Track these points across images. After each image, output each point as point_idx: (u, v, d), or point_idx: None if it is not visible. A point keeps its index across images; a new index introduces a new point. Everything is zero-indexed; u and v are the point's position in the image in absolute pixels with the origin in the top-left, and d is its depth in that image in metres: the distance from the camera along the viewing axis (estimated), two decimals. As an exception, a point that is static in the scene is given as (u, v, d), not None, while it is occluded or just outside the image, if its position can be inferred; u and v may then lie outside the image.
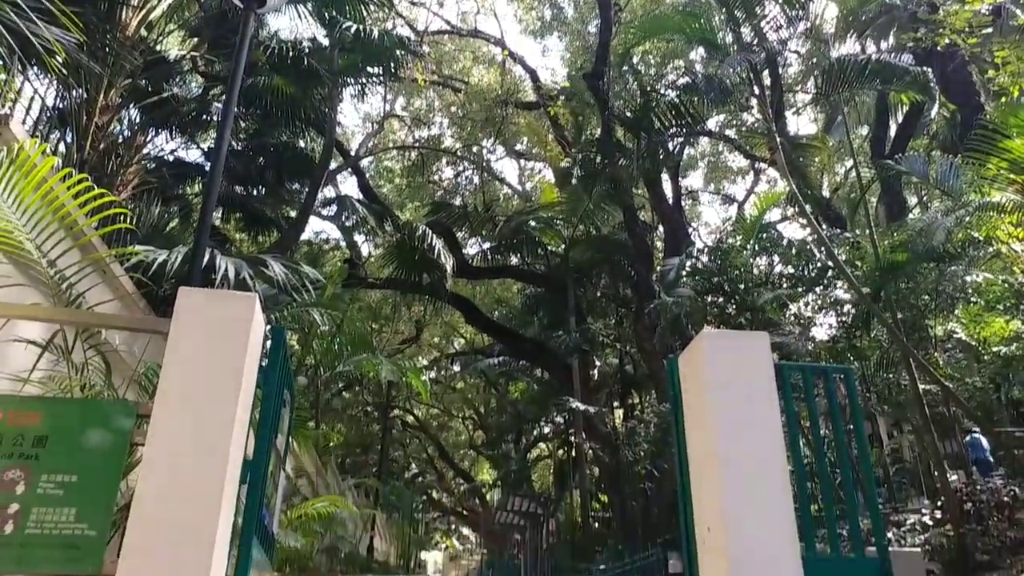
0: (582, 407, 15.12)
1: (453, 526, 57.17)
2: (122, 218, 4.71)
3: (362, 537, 17.02)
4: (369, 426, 25.98)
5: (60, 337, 4.22)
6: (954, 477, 10.48)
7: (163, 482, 3.06)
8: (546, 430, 29.16)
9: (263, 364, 3.83)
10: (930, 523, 8.68)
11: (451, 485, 41.43)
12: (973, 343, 10.56)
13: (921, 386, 8.76)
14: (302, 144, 14.49)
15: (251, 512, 3.58)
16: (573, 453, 21.53)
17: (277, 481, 4.27)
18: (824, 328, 11.34)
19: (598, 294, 20.79)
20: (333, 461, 15.83)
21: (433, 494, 40.08)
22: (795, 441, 4.01)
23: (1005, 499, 8.30)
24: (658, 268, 16.28)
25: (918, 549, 6.94)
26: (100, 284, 5.37)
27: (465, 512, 43.81)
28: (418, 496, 33.47)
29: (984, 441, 13.07)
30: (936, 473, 9.30)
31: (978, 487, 8.89)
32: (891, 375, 10.31)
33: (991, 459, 12.89)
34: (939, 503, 8.93)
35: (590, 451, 17.30)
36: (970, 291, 9.87)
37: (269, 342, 4.47)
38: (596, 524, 19.67)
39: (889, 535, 7.65)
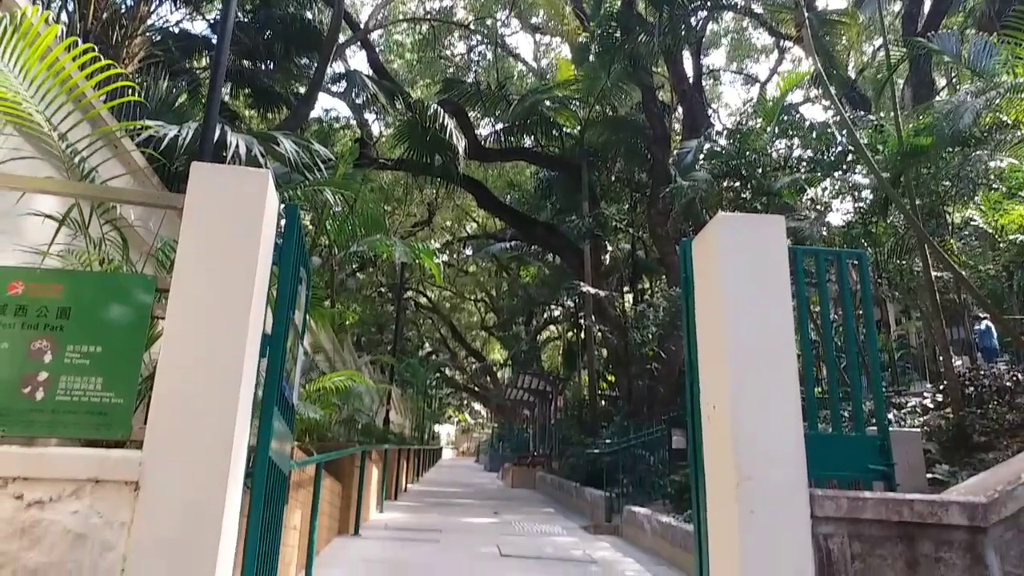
0: (592, 291, 15.25)
1: (465, 402, 59.29)
2: (130, 91, 4.60)
3: (378, 410, 17.67)
4: (383, 306, 26.44)
5: (76, 211, 4.23)
6: (958, 362, 10.63)
7: (184, 354, 3.14)
8: (556, 313, 29.62)
9: (278, 242, 3.85)
10: (931, 406, 8.89)
11: (463, 364, 42.62)
12: (990, 231, 10.44)
13: (933, 273, 8.73)
14: (310, 16, 13.96)
15: (271, 384, 3.70)
16: (582, 335, 21.94)
17: (296, 356, 4.38)
18: (840, 214, 11.22)
19: (612, 178, 20.53)
20: (349, 339, 16.22)
21: (446, 372, 41.28)
22: (804, 325, 4.05)
23: (1007, 384, 8.45)
24: (675, 151, 15.97)
25: (917, 429, 7.15)
26: (112, 159, 5.34)
27: (476, 389, 45.29)
28: (431, 373, 34.48)
29: (992, 329, 13.19)
30: (941, 358, 9.43)
31: (981, 372, 9.04)
32: (904, 261, 10.28)
33: (997, 346, 13.05)
34: (941, 387, 9.11)
35: (599, 333, 17.61)
36: (992, 177, 9.67)
37: (283, 222, 4.47)
38: (603, 402, 20.31)
39: (890, 416, 7.86)
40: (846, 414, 5.39)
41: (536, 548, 9.01)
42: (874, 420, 4.12)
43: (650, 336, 13.73)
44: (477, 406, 60.95)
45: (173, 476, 2.97)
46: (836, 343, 6.35)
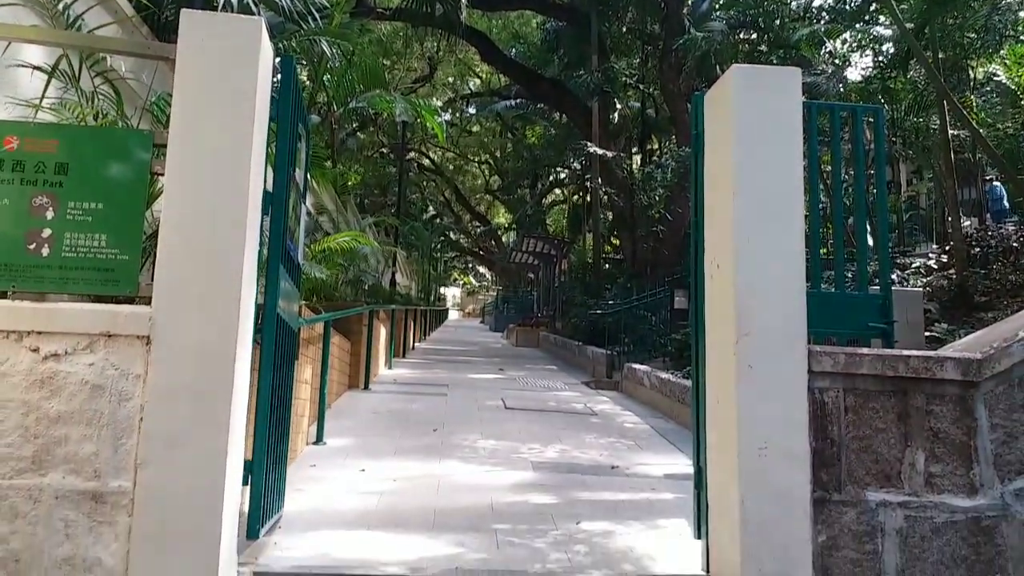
0: (600, 151, 14.97)
1: (470, 265, 59.90)
2: (109, -69, 4.31)
3: (385, 272, 17.87)
4: (386, 167, 26.11)
5: (65, 63, 4.08)
6: (967, 223, 10.57)
7: (186, 210, 3.12)
8: (562, 175, 29.29)
9: (274, 96, 3.73)
10: (935, 267, 8.93)
11: (468, 227, 42.67)
12: (1012, 87, 10.07)
13: (950, 131, 8.50)
14: None
15: (275, 241, 3.70)
16: (588, 198, 21.77)
17: (299, 214, 4.36)
18: (858, 69, 10.77)
19: (624, 29, 19.55)
20: (352, 200, 16.12)
21: (451, 235, 41.38)
22: (814, 183, 3.99)
23: (1014, 244, 8.44)
24: (690, 0, 15.15)
25: (919, 289, 7.21)
26: (97, 6, 5.08)
27: (481, 252, 45.63)
28: (436, 236, 34.60)
29: (1003, 190, 13.02)
30: (950, 219, 9.36)
31: (989, 232, 9.00)
32: (921, 119, 9.99)
33: (1008, 207, 12.94)
34: (947, 248, 9.10)
35: (605, 196, 17.45)
36: (1021, 28, 9.20)
37: (279, 76, 4.30)
38: (607, 265, 20.48)
39: (893, 276, 7.91)
40: (850, 275, 5.41)
41: (539, 402, 9.37)
42: (878, 280, 4.14)
43: (657, 198, 13.63)
44: (482, 269, 61.65)
45: (183, 330, 3.03)
46: (845, 203, 6.28)
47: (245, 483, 3.45)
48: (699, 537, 3.72)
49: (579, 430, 7.51)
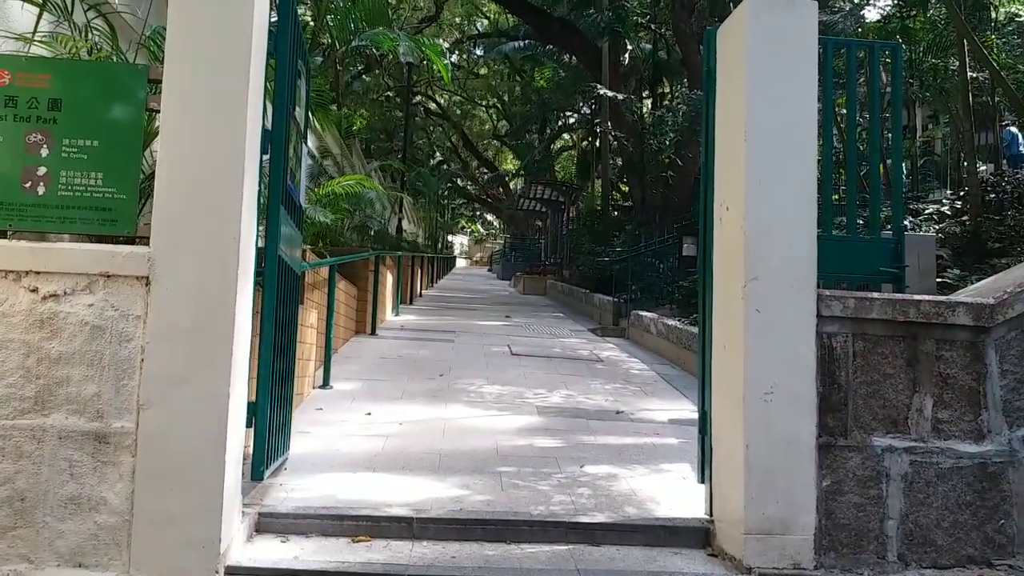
0: (610, 94, 14.66)
1: (478, 212, 59.62)
2: None
3: (391, 218, 17.78)
4: (392, 111, 25.75)
5: (55, -4, 3.95)
6: (983, 168, 10.36)
7: (181, 149, 3.04)
8: (571, 120, 28.83)
9: (272, 31, 3.61)
10: (948, 213, 8.79)
11: (475, 174, 42.31)
12: (1036, 29, 9.76)
13: (970, 73, 8.26)
14: None
15: (275, 181, 3.63)
16: (597, 143, 21.46)
17: (300, 154, 4.27)
18: (876, 9, 10.44)
19: (635, -35, 18.93)
20: (357, 145, 15.92)
21: (458, 182, 41.05)
22: (828, 124, 3.87)
23: (1029, 191, 8.28)
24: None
25: (932, 234, 7.10)
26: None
27: (489, 199, 45.33)
28: (443, 183, 34.32)
29: (1020, 136, 12.74)
30: (966, 164, 9.17)
31: (1004, 178, 8.83)
32: (940, 61, 9.71)
33: (1024, 153, 12.68)
34: (961, 193, 8.94)
35: (614, 140, 17.17)
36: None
37: (275, 15, 4.17)
38: (615, 212, 20.28)
39: (905, 223, 7.79)
40: (861, 222, 5.31)
41: (545, 348, 9.38)
42: (890, 226, 4.05)
43: (667, 143, 13.39)
44: (490, 217, 61.39)
45: (182, 270, 2.99)
46: (858, 147, 6.14)
47: (249, 425, 3.44)
48: (702, 482, 3.73)
49: (585, 376, 7.52)
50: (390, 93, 27.56)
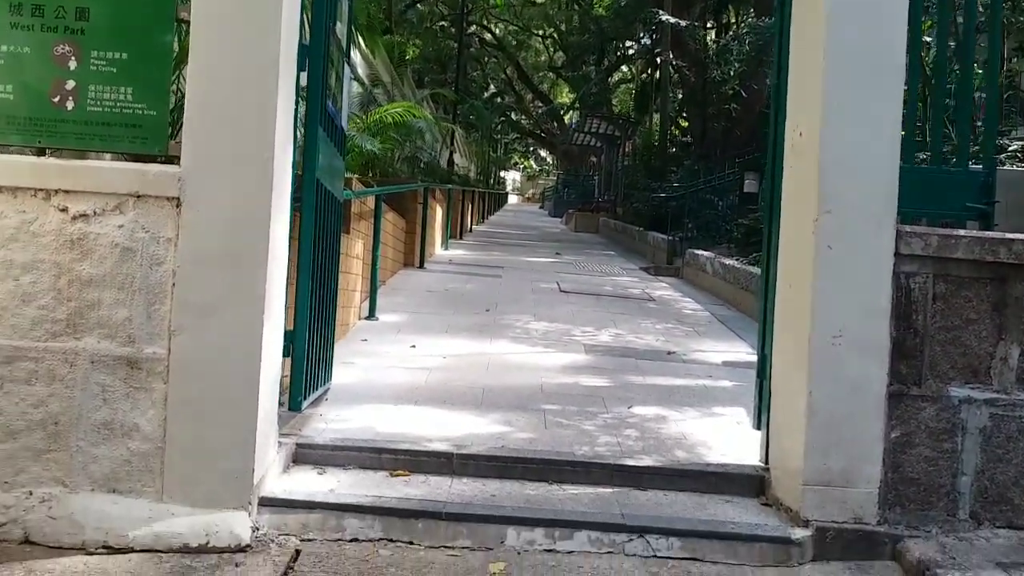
0: (673, 20, 13.94)
1: (531, 148, 58.78)
2: None
3: (442, 151, 17.54)
4: (446, 41, 25.17)
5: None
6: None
7: (213, 63, 2.87)
8: (631, 51, 27.76)
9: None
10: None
11: (529, 107, 41.47)
12: None
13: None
14: None
15: (314, 100, 3.44)
16: (657, 75, 20.64)
17: (342, 74, 4.06)
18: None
19: None
20: (409, 74, 15.61)
21: (511, 116, 40.30)
22: (916, 41, 3.47)
23: None
24: None
25: None
26: None
27: (543, 134, 44.52)
28: (496, 116, 33.71)
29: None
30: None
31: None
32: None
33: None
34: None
35: (675, 72, 16.45)
36: None
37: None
38: (673, 147, 19.61)
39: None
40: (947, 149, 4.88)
41: (595, 286, 9.16)
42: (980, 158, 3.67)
43: (732, 73, 12.74)
44: (543, 153, 60.48)
45: (214, 191, 2.85)
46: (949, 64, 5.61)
47: (286, 355, 3.35)
48: (758, 427, 3.51)
49: (635, 315, 7.30)
50: (444, 23, 26.94)
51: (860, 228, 3.05)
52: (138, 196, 2.86)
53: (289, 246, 3.29)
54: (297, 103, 3.26)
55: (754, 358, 5.87)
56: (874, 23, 3.03)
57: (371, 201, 6.43)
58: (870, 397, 3.05)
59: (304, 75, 3.39)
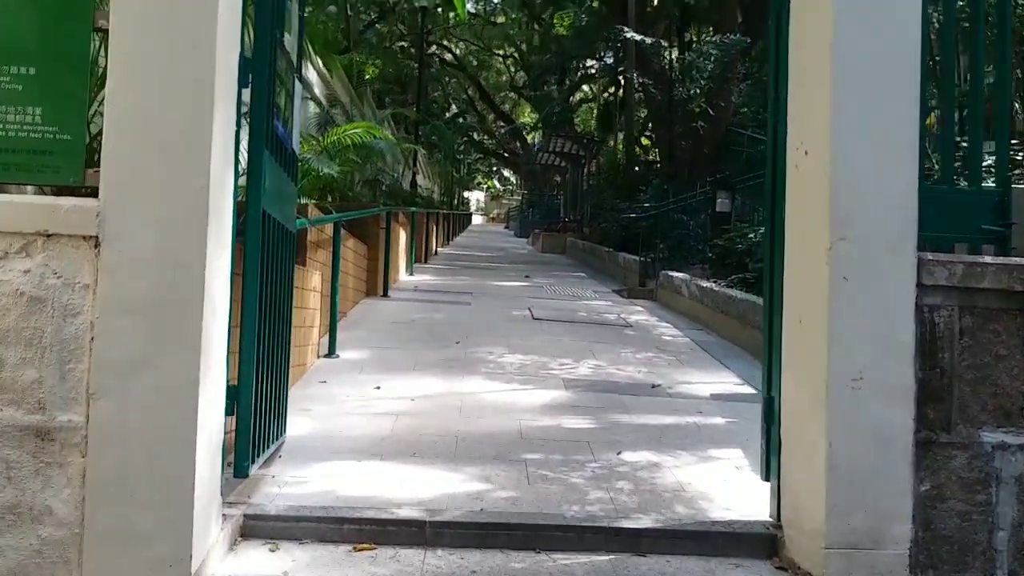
0: (637, 37, 13.76)
1: (495, 168, 58.58)
2: None
3: (404, 173, 17.13)
4: (406, 62, 24.84)
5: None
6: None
7: (137, 78, 2.45)
8: (592, 70, 27.70)
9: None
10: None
11: (492, 128, 41.28)
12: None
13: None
14: None
15: (258, 120, 3.02)
16: (620, 93, 20.52)
17: (292, 91, 3.66)
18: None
19: None
20: (369, 94, 15.20)
21: (474, 136, 40.05)
22: (924, 46, 3.18)
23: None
24: None
25: None
26: None
27: (506, 154, 44.35)
28: (459, 136, 33.39)
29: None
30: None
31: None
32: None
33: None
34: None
35: (640, 89, 16.29)
36: None
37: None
38: (638, 167, 19.43)
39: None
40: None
41: (569, 312, 8.80)
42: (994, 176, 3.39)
43: (698, 91, 12.56)
44: (507, 172, 60.34)
45: (139, 227, 2.42)
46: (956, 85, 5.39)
47: (230, 413, 2.90)
48: (766, 479, 3.15)
49: (614, 343, 6.94)
50: (404, 43, 26.63)
51: (878, 256, 2.73)
52: (48, 235, 2.42)
53: (232, 286, 2.87)
54: (239, 124, 2.85)
55: (743, 389, 5.59)
56: (887, 24, 2.74)
57: (329, 228, 5.99)
58: (896, 446, 2.71)
59: (247, 92, 2.98)
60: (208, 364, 2.53)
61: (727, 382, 5.67)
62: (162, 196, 2.44)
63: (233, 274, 2.84)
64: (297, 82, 3.77)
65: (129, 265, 2.42)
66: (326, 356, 5.65)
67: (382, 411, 4.42)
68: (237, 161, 2.88)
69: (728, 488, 3.46)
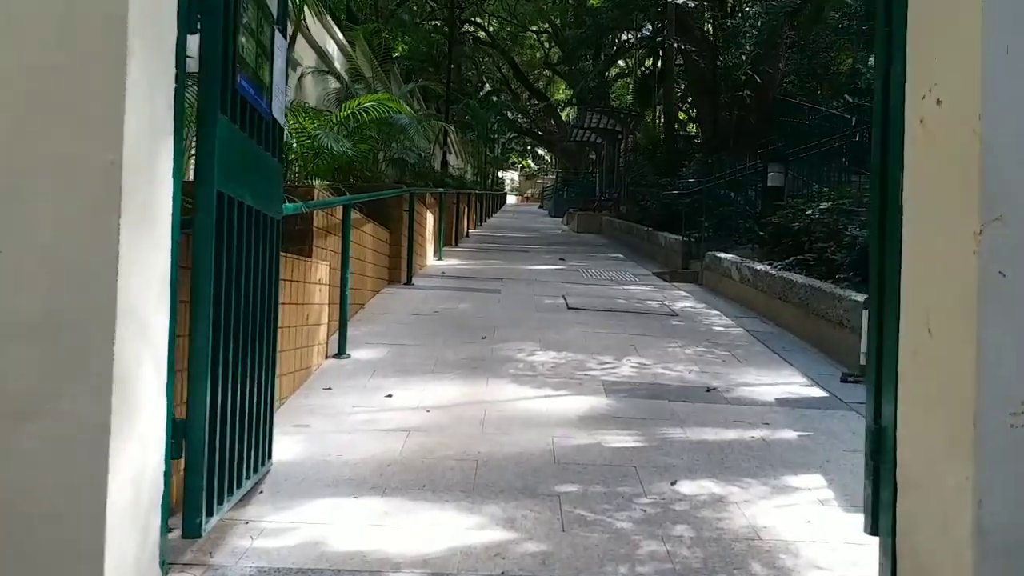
0: (680, 1, 12.81)
1: (529, 147, 57.71)
2: None
3: (434, 152, 16.46)
4: (438, 38, 24.08)
5: None
6: None
7: (14, 10, 1.80)
8: (628, 43, 26.63)
9: None
10: None
11: (526, 106, 40.38)
12: None
13: None
14: None
15: (211, 76, 2.34)
16: (659, 64, 19.53)
17: (270, 45, 2.98)
18: None
19: None
20: (397, 71, 14.50)
21: (508, 115, 39.20)
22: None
23: None
24: None
25: None
26: None
27: (540, 132, 43.43)
28: (493, 116, 32.56)
29: None
30: None
31: None
32: None
33: None
34: None
35: (681, 58, 15.33)
36: None
37: None
38: (678, 142, 18.47)
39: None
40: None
41: (607, 299, 8.06)
42: None
43: (744, 58, 11.63)
44: (541, 151, 59.43)
45: (22, 223, 1.78)
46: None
47: (177, 455, 2.27)
48: (873, 532, 2.41)
49: (658, 336, 6.20)
50: (437, 22, 25.85)
51: (1047, 243, 1.96)
52: (-99, 230, 1.78)
53: (179, 290, 2.22)
54: (182, 81, 2.18)
55: (812, 392, 4.83)
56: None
57: (339, 212, 5.33)
58: (1073, 506, 1.96)
59: (197, 39, 2.31)
60: (129, 399, 1.89)
61: (793, 383, 4.90)
62: (55, 178, 1.79)
63: (175, 279, 2.18)
64: (278, 35, 3.09)
65: (12, 275, 1.78)
66: (335, 356, 5.01)
67: (392, 426, 3.77)
68: (182, 131, 2.22)
69: (814, 534, 2.73)
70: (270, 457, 3.15)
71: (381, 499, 2.93)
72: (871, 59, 16.97)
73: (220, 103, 2.36)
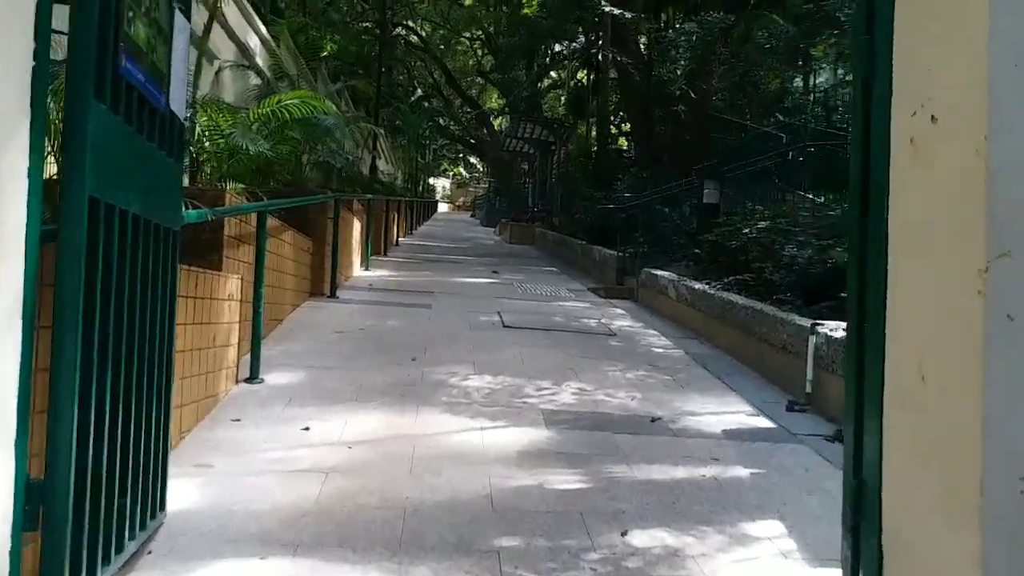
0: (616, 11, 12.71)
1: (461, 155, 57.29)
2: None
3: (363, 156, 15.95)
4: (368, 40, 23.51)
5: None
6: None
7: None
8: (562, 53, 26.62)
9: None
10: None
11: (458, 113, 40.02)
12: None
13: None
14: None
15: (83, 55, 1.91)
16: (593, 76, 19.49)
17: (168, 25, 2.55)
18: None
19: None
20: (325, 71, 13.95)
21: (440, 121, 38.77)
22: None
23: None
24: None
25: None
26: None
27: (473, 141, 43.10)
28: (424, 121, 32.06)
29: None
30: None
31: None
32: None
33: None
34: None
35: (615, 71, 15.26)
36: None
37: None
38: (612, 155, 18.42)
39: None
40: None
41: (543, 316, 7.77)
42: None
43: (678, 72, 11.59)
44: (473, 159, 59.10)
45: None
46: None
47: (31, 527, 1.82)
48: (854, 600, 2.15)
49: (598, 357, 5.93)
50: (368, 24, 25.25)
51: (1060, 283, 1.73)
52: None
53: (38, 314, 1.78)
54: (43, 55, 1.75)
55: (758, 422, 4.58)
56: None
57: (254, 219, 4.85)
58: (1086, 581, 1.73)
59: (66, 10, 1.88)
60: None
61: (738, 411, 4.69)
62: None
63: (31, 301, 1.74)
64: (179, 15, 2.65)
65: None
66: (247, 380, 4.54)
67: (308, 466, 3.34)
68: (42, 119, 1.79)
69: (783, 595, 2.46)
70: (163, 508, 2.70)
71: (291, 560, 2.51)
72: (797, 79, 17.33)
73: (96, 88, 1.93)
